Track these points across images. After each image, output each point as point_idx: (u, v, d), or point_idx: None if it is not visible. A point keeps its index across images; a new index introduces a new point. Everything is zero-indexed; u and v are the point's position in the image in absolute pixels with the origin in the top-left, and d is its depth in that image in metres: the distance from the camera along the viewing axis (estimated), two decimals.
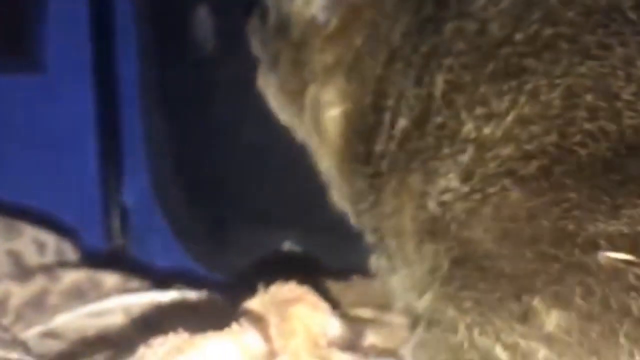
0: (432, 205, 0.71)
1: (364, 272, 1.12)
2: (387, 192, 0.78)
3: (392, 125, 0.78)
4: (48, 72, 1.55)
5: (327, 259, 1.27)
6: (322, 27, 0.91)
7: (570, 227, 0.62)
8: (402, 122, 0.76)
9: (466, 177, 0.69)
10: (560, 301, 0.62)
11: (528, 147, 0.66)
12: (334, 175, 0.93)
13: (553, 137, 0.65)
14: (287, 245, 1.33)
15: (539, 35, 0.68)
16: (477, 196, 0.68)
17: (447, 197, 0.70)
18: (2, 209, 1.27)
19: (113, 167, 1.54)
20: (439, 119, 0.72)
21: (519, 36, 0.69)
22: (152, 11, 1.48)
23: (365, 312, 0.94)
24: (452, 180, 0.70)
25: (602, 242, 0.61)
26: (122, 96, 1.55)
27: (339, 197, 0.94)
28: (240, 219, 1.40)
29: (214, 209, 1.43)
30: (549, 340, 0.62)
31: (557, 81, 0.66)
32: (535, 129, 0.66)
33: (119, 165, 1.54)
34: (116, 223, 1.53)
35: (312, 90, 0.92)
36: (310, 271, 0.97)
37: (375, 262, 0.87)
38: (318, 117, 0.92)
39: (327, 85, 0.91)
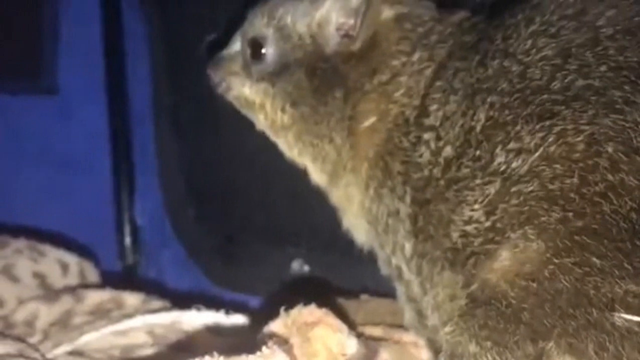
0: (455, 235, 0.76)
1: (370, 290, 1.18)
2: (425, 217, 0.81)
3: (439, 151, 0.81)
4: (61, 94, 1.59)
5: (335, 278, 1.31)
6: (350, 44, 0.91)
7: (591, 289, 0.66)
8: (448, 150, 0.80)
9: (490, 210, 0.73)
10: (574, 351, 0.67)
11: (551, 186, 0.69)
12: (353, 198, 0.94)
13: (575, 180, 0.68)
14: (296, 264, 1.36)
15: (572, 85, 0.72)
16: (498, 237, 0.71)
17: (469, 228, 0.74)
18: (18, 230, 1.30)
19: (126, 186, 1.58)
20: (477, 152, 0.76)
21: (555, 84, 0.73)
22: (165, 35, 1.52)
23: (376, 331, 0.98)
24: (477, 210, 0.74)
25: (618, 305, 0.65)
26: (135, 117, 1.59)
27: (352, 223, 0.97)
28: (250, 237, 1.43)
29: (225, 227, 1.47)
30: None
31: (583, 127, 0.69)
32: (558, 168, 0.69)
33: (132, 184, 1.58)
34: (129, 241, 1.58)
35: (344, 109, 0.92)
36: (325, 292, 1.02)
37: (399, 287, 0.91)
38: (352, 130, 0.92)
39: (362, 100, 0.91)
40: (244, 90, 1.00)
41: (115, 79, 1.59)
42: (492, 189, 0.73)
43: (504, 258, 0.71)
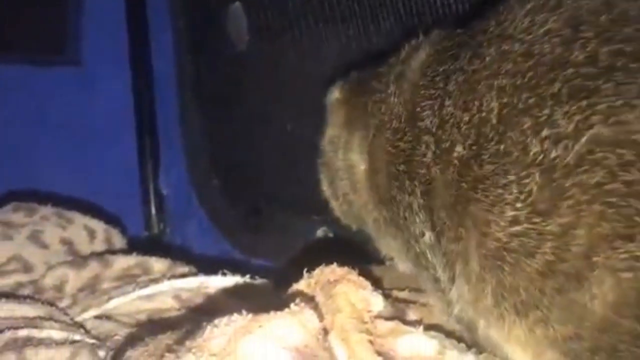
0: (500, 234, 0.69)
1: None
2: (454, 219, 0.75)
3: (448, 152, 0.76)
4: (85, 65, 1.61)
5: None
6: None
7: None
8: (459, 149, 0.74)
9: (543, 210, 0.65)
10: None
11: (628, 176, 0.61)
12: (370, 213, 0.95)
13: None
14: (321, 232, 1.37)
15: (598, 54, 0.65)
16: (581, 249, 0.63)
17: (520, 228, 0.67)
18: (48, 199, 1.31)
19: (150, 157, 1.59)
20: (501, 146, 0.69)
21: (576, 56, 0.65)
22: (187, 7, 1.53)
23: (403, 294, 0.98)
24: (522, 209, 0.66)
25: None
26: (158, 88, 1.60)
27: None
28: (275, 206, 1.45)
29: (250, 197, 1.49)
30: None
31: (635, 102, 0.62)
32: (626, 153, 0.61)
33: (156, 155, 1.60)
34: (154, 211, 1.59)
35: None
36: (350, 255, 1.02)
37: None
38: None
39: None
40: None
41: (138, 51, 1.61)
42: (533, 185, 0.65)
43: (608, 284, 0.62)
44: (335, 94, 1.02)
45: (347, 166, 0.98)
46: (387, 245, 0.97)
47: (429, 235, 0.82)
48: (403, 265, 0.98)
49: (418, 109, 0.83)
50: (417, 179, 0.82)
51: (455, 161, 0.75)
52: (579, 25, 0.67)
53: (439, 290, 0.85)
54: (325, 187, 1.05)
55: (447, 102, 0.78)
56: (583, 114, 0.63)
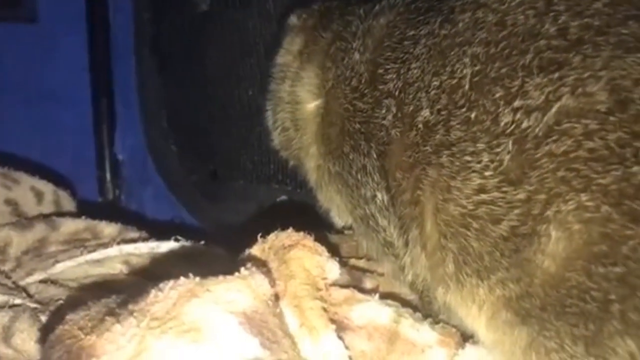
0: (464, 201, 0.68)
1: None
2: (410, 182, 0.74)
3: (412, 115, 0.74)
4: (41, 23, 1.55)
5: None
6: None
7: None
8: (425, 114, 0.73)
9: (514, 179, 0.65)
10: None
11: (591, 144, 0.62)
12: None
13: (621, 134, 0.61)
14: (281, 201, 1.34)
15: (568, 28, 0.66)
16: (541, 212, 0.63)
17: (487, 197, 0.67)
18: None
19: (106, 120, 1.54)
20: (472, 114, 0.69)
21: (548, 29, 0.66)
22: None
23: (360, 263, 0.95)
24: (491, 178, 0.66)
25: None
26: (116, 49, 1.55)
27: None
28: (234, 173, 1.41)
29: (208, 163, 1.44)
30: None
31: (600, 74, 0.63)
32: (590, 123, 0.62)
33: (112, 118, 1.55)
34: (109, 176, 1.54)
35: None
36: (308, 221, 0.99)
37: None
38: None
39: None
40: None
41: (96, 9, 1.55)
42: (505, 155, 0.65)
43: (559, 238, 0.62)
44: (293, 20, 0.99)
45: (292, 100, 0.95)
46: (329, 198, 0.95)
47: (381, 197, 0.81)
48: (339, 220, 0.96)
49: (381, 71, 0.81)
50: (374, 140, 0.80)
51: (420, 125, 0.74)
52: None
53: (391, 255, 0.83)
54: (269, 115, 1.02)
55: (413, 65, 0.77)
56: (553, 86, 0.64)
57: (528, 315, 0.65)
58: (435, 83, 0.73)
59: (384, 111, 0.79)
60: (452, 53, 0.72)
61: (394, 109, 0.78)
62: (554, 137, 0.63)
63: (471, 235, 0.68)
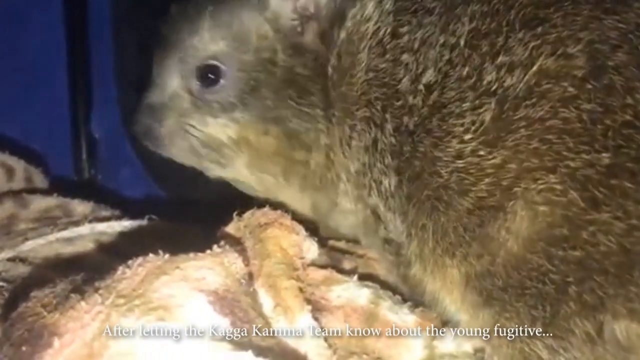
0: (443, 171, 0.68)
1: None
2: (411, 152, 0.72)
3: (419, 77, 0.72)
4: None
5: None
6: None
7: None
8: (429, 74, 0.72)
9: (491, 141, 0.64)
10: (636, 315, 0.62)
11: (567, 113, 0.61)
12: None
13: (595, 107, 0.60)
14: None
15: None
16: (510, 185, 0.63)
17: (461, 163, 0.66)
18: None
19: (82, 99, 1.50)
20: (463, 71, 0.68)
21: None
22: None
23: (340, 244, 0.93)
24: (469, 143, 0.66)
25: None
26: (93, 26, 1.50)
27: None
28: None
29: None
30: None
31: (580, 35, 0.62)
32: (568, 88, 0.61)
33: (89, 97, 1.51)
34: (85, 156, 1.50)
35: None
36: None
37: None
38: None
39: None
40: (208, 130, 0.86)
41: None
42: (487, 115, 0.64)
43: (523, 217, 0.62)
44: None
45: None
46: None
47: (387, 182, 0.76)
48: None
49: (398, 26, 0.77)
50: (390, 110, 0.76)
51: (422, 87, 0.72)
52: None
53: (390, 253, 0.80)
54: None
55: (426, 21, 0.74)
56: (535, 42, 0.64)
57: (490, 297, 0.65)
58: (441, 39, 0.72)
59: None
60: (459, 9, 0.71)
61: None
62: (533, 100, 0.63)
63: (441, 209, 0.68)
